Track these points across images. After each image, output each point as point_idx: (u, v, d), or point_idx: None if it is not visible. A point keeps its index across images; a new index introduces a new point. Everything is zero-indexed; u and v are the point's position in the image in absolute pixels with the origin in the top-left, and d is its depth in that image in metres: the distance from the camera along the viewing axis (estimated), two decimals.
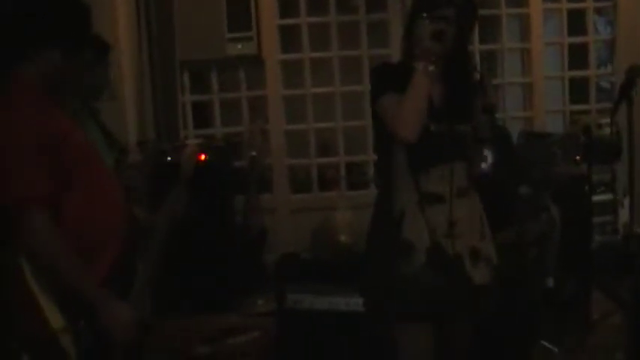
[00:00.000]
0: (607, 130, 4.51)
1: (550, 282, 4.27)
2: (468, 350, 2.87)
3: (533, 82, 5.96)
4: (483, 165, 3.13)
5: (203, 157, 4.67)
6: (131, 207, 2.72)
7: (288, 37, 6.03)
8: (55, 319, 2.30)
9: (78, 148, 2.43)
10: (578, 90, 6.14)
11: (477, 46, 5.94)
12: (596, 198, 4.62)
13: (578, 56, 6.13)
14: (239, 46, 5.81)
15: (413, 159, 2.70)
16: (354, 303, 3.75)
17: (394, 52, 5.38)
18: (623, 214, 4.63)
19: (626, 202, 4.44)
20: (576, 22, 6.09)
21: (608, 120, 4.42)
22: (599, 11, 6.43)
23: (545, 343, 4.04)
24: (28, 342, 2.35)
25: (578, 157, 4.51)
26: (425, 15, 2.68)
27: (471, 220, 2.77)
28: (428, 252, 2.67)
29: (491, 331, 3.35)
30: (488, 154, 3.73)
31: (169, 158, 4.74)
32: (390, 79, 2.72)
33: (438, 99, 2.76)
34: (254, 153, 5.28)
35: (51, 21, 2.44)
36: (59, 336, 2.29)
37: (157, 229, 2.87)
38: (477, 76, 2.78)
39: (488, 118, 2.73)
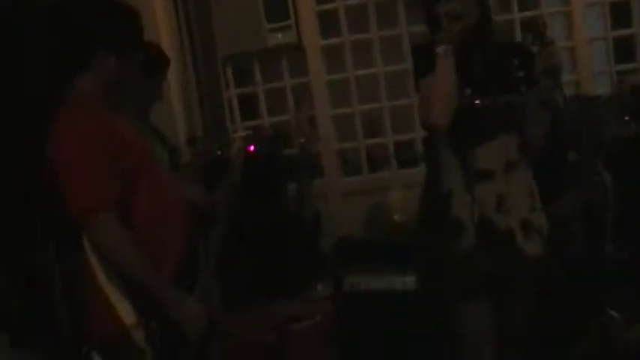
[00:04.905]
0: None
1: (609, 248, 4.22)
2: (526, 324, 2.86)
3: (576, 46, 5.87)
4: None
5: (252, 148, 4.73)
6: (191, 202, 2.77)
7: (327, 23, 6.05)
8: (127, 315, 2.35)
9: (139, 154, 2.50)
10: (623, 49, 6.03)
11: (516, 15, 5.89)
12: None
13: (621, 15, 6.01)
14: (279, 36, 5.85)
15: (459, 136, 2.66)
16: (411, 282, 3.78)
17: None
18: None
19: None
20: None
21: None
22: None
23: (608, 310, 4.01)
24: (101, 340, 2.40)
25: (627, 118, 4.45)
26: None
27: (521, 192, 2.74)
28: (477, 229, 2.66)
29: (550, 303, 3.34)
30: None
31: (219, 153, 4.81)
32: (425, 61, 2.65)
33: (479, 72, 2.70)
34: (303, 140, 5.31)
35: (105, 27, 2.49)
36: (132, 332, 2.33)
37: (215, 220, 2.92)
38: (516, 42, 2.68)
39: (552, 81, 2.64)
